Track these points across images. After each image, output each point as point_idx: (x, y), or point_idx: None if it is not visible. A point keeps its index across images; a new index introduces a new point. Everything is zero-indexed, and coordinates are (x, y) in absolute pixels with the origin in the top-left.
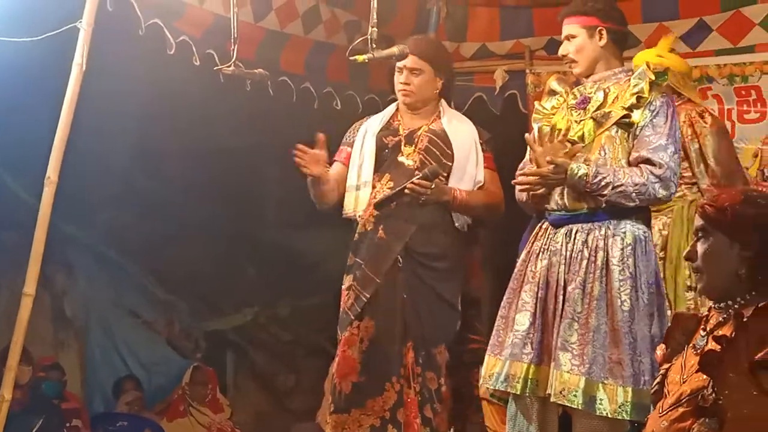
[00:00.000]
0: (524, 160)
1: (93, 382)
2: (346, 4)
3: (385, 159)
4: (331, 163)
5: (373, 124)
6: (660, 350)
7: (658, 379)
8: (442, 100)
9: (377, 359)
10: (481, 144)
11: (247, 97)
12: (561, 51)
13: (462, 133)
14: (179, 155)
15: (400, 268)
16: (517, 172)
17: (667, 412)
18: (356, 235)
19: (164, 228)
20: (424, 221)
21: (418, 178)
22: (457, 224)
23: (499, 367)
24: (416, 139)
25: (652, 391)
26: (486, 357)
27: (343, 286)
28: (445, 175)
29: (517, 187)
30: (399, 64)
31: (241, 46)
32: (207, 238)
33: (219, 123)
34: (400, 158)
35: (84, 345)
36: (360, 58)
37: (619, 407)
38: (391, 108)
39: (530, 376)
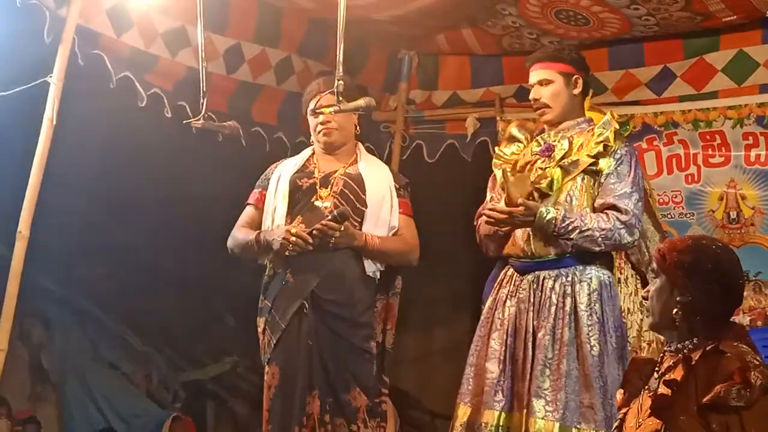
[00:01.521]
0: (484, 203)
1: None
2: (318, 54)
3: (298, 201)
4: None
5: (288, 167)
6: (618, 394)
7: (616, 424)
8: (360, 144)
9: (281, 408)
10: (397, 189)
11: (220, 147)
12: (533, 95)
13: (377, 178)
14: (153, 207)
15: (305, 313)
16: (483, 209)
17: None
18: (266, 276)
19: (140, 279)
20: (334, 267)
21: (327, 220)
22: (368, 271)
23: (470, 415)
24: (332, 182)
25: None
26: (456, 404)
27: (258, 329)
28: (359, 220)
29: (482, 225)
30: (312, 105)
31: (213, 97)
32: (183, 288)
33: (192, 173)
34: (315, 201)
35: (62, 398)
36: (326, 110)
37: None
38: (307, 151)
39: (501, 423)
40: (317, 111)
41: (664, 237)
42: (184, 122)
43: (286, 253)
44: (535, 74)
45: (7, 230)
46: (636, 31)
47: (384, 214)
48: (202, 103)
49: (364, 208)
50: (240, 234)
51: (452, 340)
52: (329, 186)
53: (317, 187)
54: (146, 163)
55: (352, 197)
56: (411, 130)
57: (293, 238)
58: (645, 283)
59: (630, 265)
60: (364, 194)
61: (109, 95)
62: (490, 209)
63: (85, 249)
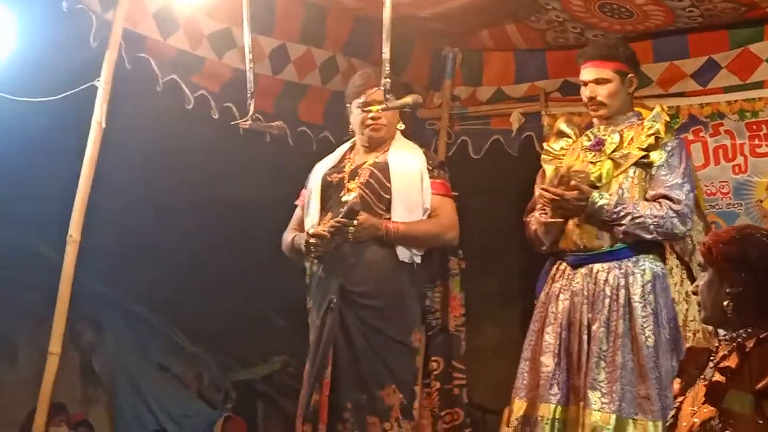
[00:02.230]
0: (531, 200)
1: None
2: (363, 53)
3: (330, 198)
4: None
5: (324, 165)
6: (675, 383)
7: (672, 413)
8: (398, 133)
9: (302, 399)
10: (430, 170)
11: (266, 148)
12: (588, 93)
13: (405, 162)
14: (202, 208)
15: (332, 309)
16: (530, 204)
17: None
18: (307, 278)
19: (189, 281)
20: (362, 259)
21: (339, 217)
22: (401, 258)
23: (526, 409)
24: (359, 174)
25: (668, 424)
26: (512, 399)
27: None
28: (385, 208)
29: (533, 220)
30: (366, 104)
31: (260, 98)
32: (232, 289)
33: (240, 175)
34: (343, 195)
35: (113, 400)
36: (374, 108)
37: None
38: (345, 146)
39: (557, 417)
40: (366, 108)
41: (708, 226)
42: (232, 123)
43: (312, 254)
44: (590, 72)
45: (58, 234)
46: (680, 23)
47: (414, 197)
48: (250, 104)
49: (389, 196)
50: (286, 236)
51: (502, 336)
52: (357, 178)
53: (345, 181)
54: (194, 165)
55: (376, 186)
56: (456, 127)
57: (312, 239)
58: (690, 273)
59: (675, 255)
60: (389, 181)
61: (156, 98)
62: (542, 189)
63: (134, 251)
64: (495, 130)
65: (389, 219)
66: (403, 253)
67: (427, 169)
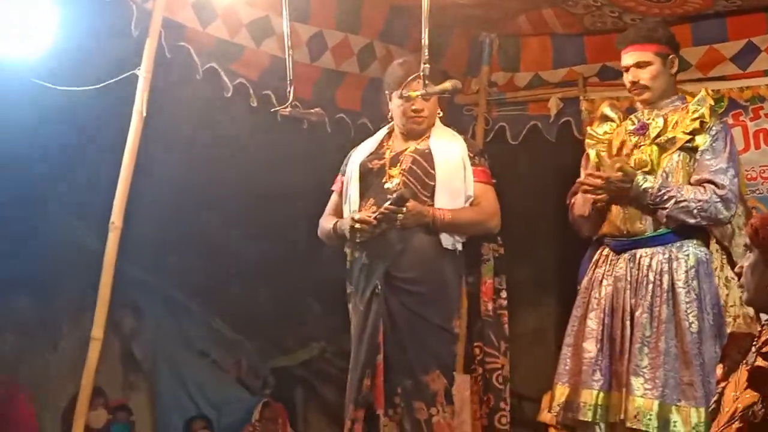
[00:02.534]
0: (577, 182)
1: (163, 423)
2: (400, 40)
3: (371, 184)
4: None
5: (362, 151)
6: (718, 369)
7: (715, 398)
8: (437, 120)
9: (349, 386)
10: (471, 158)
11: (305, 135)
12: (632, 77)
13: (447, 149)
14: (240, 196)
15: (377, 294)
16: (573, 187)
17: (723, 429)
18: (347, 263)
19: (228, 268)
20: (407, 245)
21: (387, 204)
22: (445, 245)
23: (568, 395)
24: (401, 161)
25: (710, 409)
26: (554, 385)
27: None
28: (429, 195)
29: (576, 203)
30: (406, 93)
31: (298, 85)
32: (270, 276)
33: (278, 162)
34: (384, 182)
35: (154, 386)
36: (413, 94)
37: (693, 429)
38: (382, 132)
39: (600, 403)
40: (406, 95)
41: (749, 211)
42: (272, 110)
43: (356, 240)
44: (631, 56)
45: (100, 222)
46: (718, 6)
47: (457, 185)
48: (289, 91)
49: (433, 183)
50: (324, 222)
51: (538, 323)
52: (398, 165)
53: (387, 167)
54: (233, 153)
55: (420, 173)
56: (494, 113)
57: (357, 225)
58: (729, 258)
59: (714, 239)
60: (433, 168)
61: (196, 86)
62: (587, 174)
63: (174, 239)
64: (533, 115)
65: (433, 206)
66: (446, 240)
67: (469, 156)
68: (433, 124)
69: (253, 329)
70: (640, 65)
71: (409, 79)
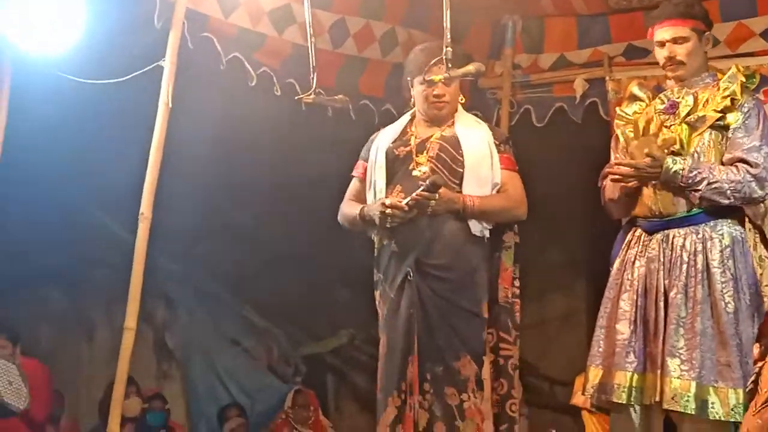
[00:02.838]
0: (608, 164)
1: (197, 412)
2: (422, 25)
3: (396, 171)
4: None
5: (386, 137)
6: (755, 349)
7: (752, 378)
8: (459, 106)
9: (387, 375)
10: (497, 145)
11: (329, 123)
12: (667, 53)
13: (474, 137)
14: (267, 185)
15: (409, 281)
16: (605, 169)
17: (760, 410)
18: (375, 250)
19: (257, 257)
20: (437, 232)
21: (420, 190)
22: (474, 231)
23: (602, 377)
24: (427, 147)
25: (747, 389)
26: (587, 367)
27: (376, 302)
28: (457, 182)
29: (607, 186)
30: (428, 77)
31: (321, 72)
32: (299, 265)
33: (303, 150)
34: (412, 168)
35: (187, 375)
36: (436, 78)
37: (732, 409)
38: (405, 118)
39: (634, 385)
40: (428, 80)
41: None
42: (296, 98)
43: (387, 225)
44: (668, 31)
45: (129, 214)
46: None
47: (485, 172)
48: (313, 78)
49: (461, 170)
50: (347, 208)
51: (569, 306)
52: (425, 152)
53: (413, 154)
54: (258, 142)
55: (448, 160)
56: (518, 96)
57: (388, 210)
58: (763, 237)
59: (747, 218)
60: (461, 155)
61: (220, 76)
62: (615, 164)
63: (203, 229)
64: (558, 97)
65: (462, 193)
66: (475, 227)
67: (495, 143)
68: (456, 110)
69: (283, 317)
70: (677, 41)
71: (430, 63)
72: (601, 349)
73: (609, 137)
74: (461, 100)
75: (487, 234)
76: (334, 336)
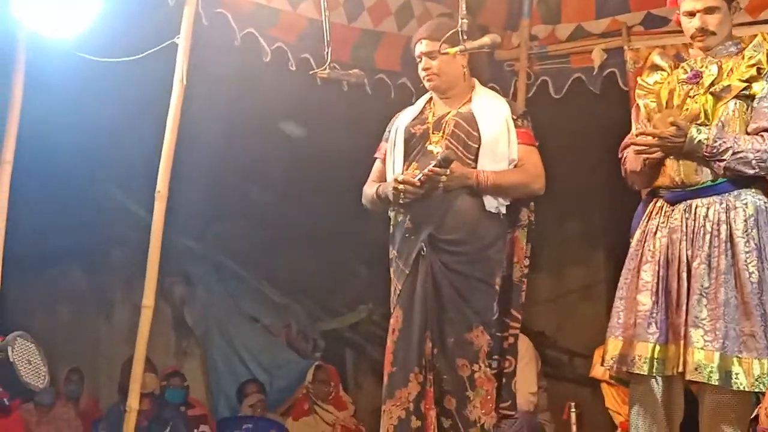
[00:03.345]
0: (629, 135)
1: (217, 388)
2: None
3: (414, 149)
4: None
5: (405, 116)
6: None
7: None
8: (476, 82)
9: (403, 350)
10: (515, 120)
11: (345, 97)
12: (699, 23)
13: (490, 112)
14: (283, 162)
15: (423, 256)
16: (627, 140)
17: None
18: (391, 227)
19: (275, 234)
20: (451, 208)
21: (432, 166)
22: (488, 208)
23: (622, 348)
24: (443, 125)
25: None
26: (607, 338)
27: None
28: (472, 158)
29: (629, 158)
30: (417, 51)
31: (336, 47)
32: (316, 241)
33: (319, 126)
34: (428, 146)
35: (206, 352)
36: (451, 50)
37: (756, 380)
38: (425, 97)
39: (656, 356)
40: (443, 51)
41: None
42: (310, 72)
43: (400, 201)
44: (699, 1)
45: (146, 192)
46: None
47: (501, 148)
48: (327, 53)
49: (475, 145)
50: (368, 189)
51: (587, 278)
52: (441, 129)
53: (430, 132)
54: (274, 118)
55: (463, 136)
56: (535, 67)
57: (401, 186)
58: None
59: None
60: (476, 132)
61: (235, 53)
62: (638, 133)
63: (220, 206)
64: (576, 68)
65: (476, 168)
66: (490, 203)
67: (512, 118)
68: (457, 82)
69: (301, 293)
70: (709, 10)
71: (419, 36)
72: (620, 321)
73: (628, 108)
74: (465, 72)
75: (503, 210)
76: (352, 311)
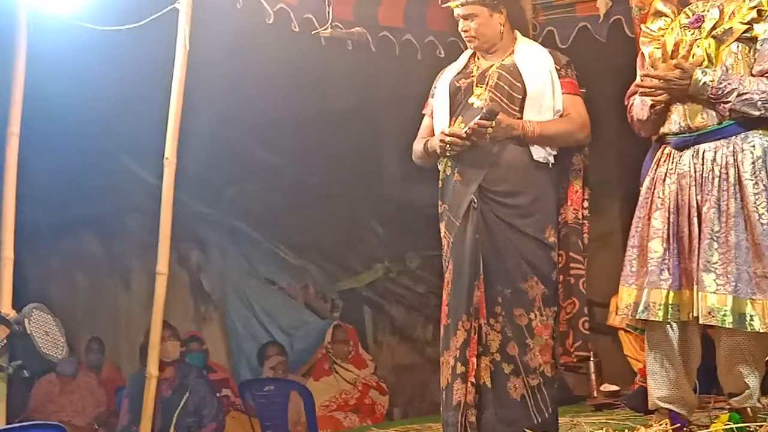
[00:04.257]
0: (634, 82)
1: (237, 352)
2: None
3: (459, 103)
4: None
5: (450, 71)
6: None
7: None
8: (517, 33)
9: (454, 300)
10: (558, 70)
11: (350, 57)
12: None
13: (534, 63)
14: (292, 123)
15: (474, 208)
16: (633, 86)
17: None
18: (440, 181)
19: (287, 196)
20: (499, 159)
21: (477, 119)
22: (536, 157)
23: (636, 296)
24: (487, 78)
25: None
26: (620, 287)
27: (441, 234)
28: (517, 109)
29: (635, 106)
30: (455, 13)
31: (338, 6)
32: (329, 201)
33: (325, 86)
34: (472, 100)
35: (224, 316)
36: (453, 4)
37: None
38: (468, 52)
39: (670, 302)
40: (445, 6)
41: None
42: (312, 32)
43: (447, 154)
44: None
45: (155, 159)
46: None
47: (546, 99)
48: (328, 12)
49: (519, 96)
50: (417, 145)
51: (603, 228)
52: (485, 82)
53: (474, 85)
54: (279, 81)
55: (507, 88)
56: (540, 17)
57: (447, 138)
58: None
59: None
60: (520, 83)
61: (237, 15)
62: (643, 76)
63: (232, 170)
64: (581, 17)
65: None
66: (538, 153)
67: (555, 69)
68: (497, 39)
69: (317, 254)
70: None
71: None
72: (633, 269)
73: (634, 55)
74: (502, 29)
75: (551, 159)
76: (369, 270)
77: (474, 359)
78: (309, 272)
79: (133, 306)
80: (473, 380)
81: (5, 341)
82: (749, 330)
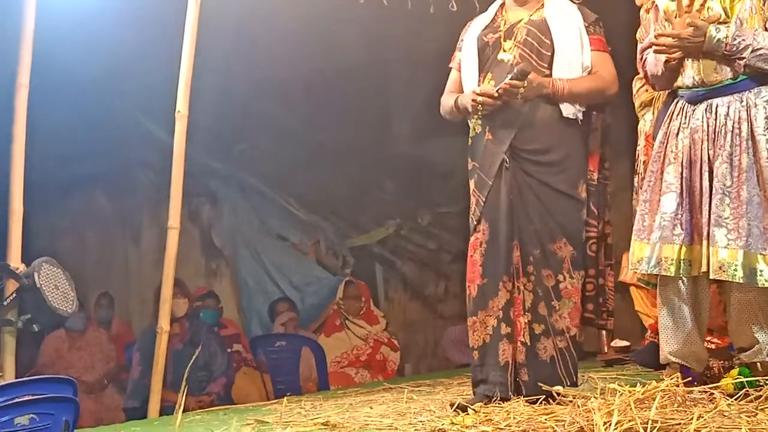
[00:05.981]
0: (648, 36)
1: (248, 307)
2: None
3: (487, 58)
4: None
5: (477, 25)
6: None
7: None
8: None
9: (492, 261)
10: (587, 27)
11: (361, 11)
12: None
13: (563, 19)
14: (303, 80)
15: (507, 167)
16: (647, 42)
17: None
18: (470, 139)
19: (299, 152)
20: (529, 117)
21: (509, 78)
22: (565, 114)
23: (648, 251)
24: (516, 32)
25: None
26: (632, 242)
27: (471, 190)
28: (545, 65)
29: (648, 61)
30: None
31: None
32: (341, 158)
33: (336, 41)
34: (501, 55)
35: (236, 272)
36: None
37: None
38: (496, 4)
39: (682, 257)
40: None
41: None
42: None
43: (479, 113)
44: None
45: (166, 115)
46: None
47: (575, 55)
48: None
49: (548, 53)
50: (445, 99)
51: (615, 184)
52: (513, 37)
53: (502, 40)
54: (290, 37)
55: (536, 44)
56: None
57: (479, 98)
58: None
59: None
60: (549, 39)
61: None
62: (657, 35)
63: (243, 126)
64: None
65: (551, 77)
66: (567, 110)
67: (584, 26)
68: None
69: (328, 211)
70: None
71: None
72: (645, 224)
73: (637, 10)
74: None
75: (580, 116)
76: (380, 227)
77: (520, 319)
78: (320, 228)
79: (144, 262)
80: (522, 339)
81: (14, 295)
82: (760, 285)
